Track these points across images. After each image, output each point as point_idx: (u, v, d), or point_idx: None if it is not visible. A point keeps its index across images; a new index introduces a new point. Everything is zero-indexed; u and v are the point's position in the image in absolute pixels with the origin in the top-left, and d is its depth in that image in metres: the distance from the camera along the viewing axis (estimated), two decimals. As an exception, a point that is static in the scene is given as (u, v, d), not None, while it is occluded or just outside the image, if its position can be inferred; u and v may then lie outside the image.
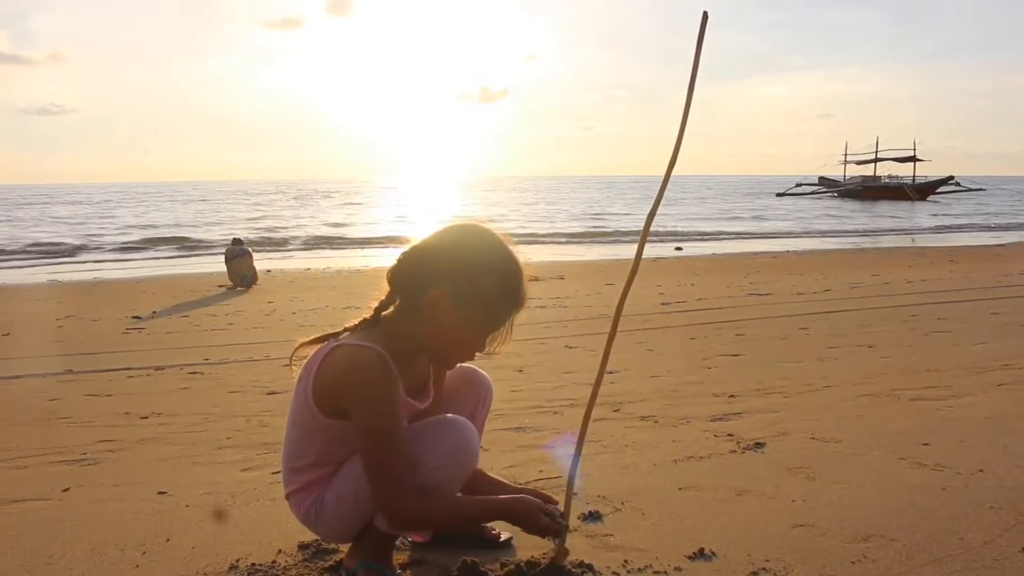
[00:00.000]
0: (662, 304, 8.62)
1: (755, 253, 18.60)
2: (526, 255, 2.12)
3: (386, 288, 2.11)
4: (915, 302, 8.39)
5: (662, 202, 2.32)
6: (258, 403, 4.59)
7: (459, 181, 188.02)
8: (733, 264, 15.46)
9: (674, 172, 2.25)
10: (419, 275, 2.04)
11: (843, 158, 68.96)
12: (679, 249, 20.03)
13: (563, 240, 25.52)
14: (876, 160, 66.81)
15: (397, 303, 2.10)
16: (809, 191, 65.46)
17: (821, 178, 68.12)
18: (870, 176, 65.64)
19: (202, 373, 5.65)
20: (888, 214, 38.90)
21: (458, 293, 2.01)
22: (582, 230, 29.27)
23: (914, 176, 62.72)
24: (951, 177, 60.48)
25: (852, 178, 66.49)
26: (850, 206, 47.91)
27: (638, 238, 2.27)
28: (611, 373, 4.93)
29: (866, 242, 24.02)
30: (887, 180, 63.42)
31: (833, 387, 4.50)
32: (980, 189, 62.07)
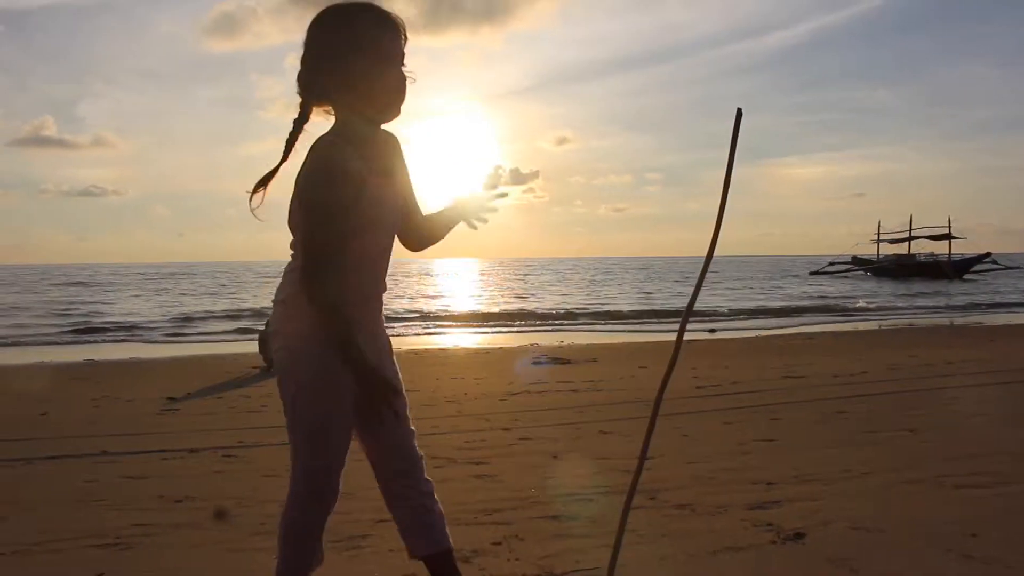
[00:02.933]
0: (696, 387, 8.53)
1: (789, 334, 18.44)
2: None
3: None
4: (956, 384, 8.23)
5: (692, 285, 2.35)
6: (291, 487, 4.57)
7: (490, 260, 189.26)
8: (767, 345, 15.32)
9: (705, 253, 2.29)
10: (305, 74, 2.19)
11: (876, 236, 68.39)
12: (712, 331, 19.90)
13: (595, 322, 25.44)
14: (910, 238, 66.28)
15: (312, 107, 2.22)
16: (842, 270, 65.01)
17: (854, 257, 67.63)
18: (904, 254, 65.10)
19: (236, 456, 5.65)
20: (924, 292, 38.50)
21: (323, 50, 2.15)
22: (614, 312, 29.19)
23: (950, 254, 62.11)
24: (988, 254, 59.85)
25: (886, 256, 65.95)
26: (885, 285, 47.49)
27: (670, 320, 2.29)
28: (646, 460, 4.86)
29: (902, 321, 23.75)
30: (922, 258, 62.85)
31: (874, 473, 4.41)
32: (1017, 267, 61.34)
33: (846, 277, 60.61)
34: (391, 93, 2.19)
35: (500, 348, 16.05)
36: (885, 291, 40.94)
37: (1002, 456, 4.67)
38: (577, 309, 30.49)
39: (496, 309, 31.43)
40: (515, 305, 33.15)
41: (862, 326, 22.26)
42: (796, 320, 25.00)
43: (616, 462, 4.91)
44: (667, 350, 2.42)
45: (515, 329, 22.53)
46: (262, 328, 13.19)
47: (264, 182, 2.23)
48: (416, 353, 15.22)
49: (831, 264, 67.43)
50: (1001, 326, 20.26)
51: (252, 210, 2.22)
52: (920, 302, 32.94)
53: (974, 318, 24.72)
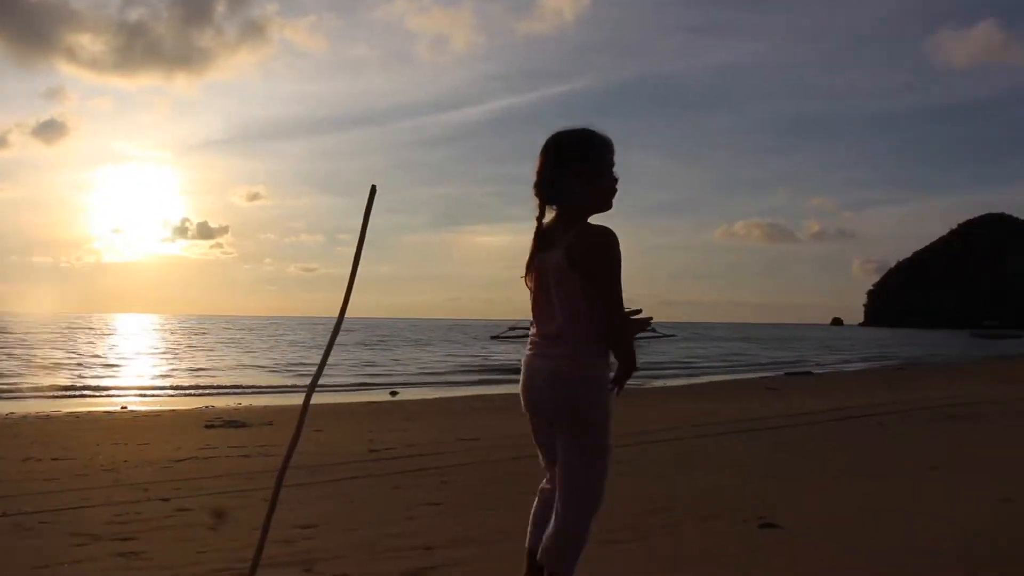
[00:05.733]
0: (371, 451, 8.54)
1: (466, 396, 19.05)
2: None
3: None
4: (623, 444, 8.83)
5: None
6: None
7: (171, 319, 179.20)
8: (446, 407, 15.72)
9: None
10: (547, 178, 2.97)
11: (553, 304, 72.71)
12: (394, 394, 20.07)
13: (273, 384, 24.56)
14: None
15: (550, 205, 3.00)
16: (522, 334, 68.45)
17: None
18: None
19: None
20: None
21: (570, 171, 2.91)
22: (294, 374, 28.46)
23: (616, 322, 67.51)
24: (650, 319, 65.85)
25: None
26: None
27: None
28: (307, 528, 4.78)
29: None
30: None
31: (523, 536, 4.61)
32: (672, 335, 67.94)
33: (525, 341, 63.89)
34: (612, 194, 2.97)
35: (172, 411, 15.15)
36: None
37: (639, 511, 5.09)
38: (248, 371, 29.51)
39: (171, 369, 29.75)
40: (194, 365, 31.57)
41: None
42: (473, 383, 25.90)
43: (278, 532, 4.75)
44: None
45: (191, 392, 21.32)
46: None
47: (529, 267, 3.09)
48: (76, 417, 13.96)
49: (511, 328, 70.84)
50: (657, 389, 22.30)
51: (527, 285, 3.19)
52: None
53: (634, 381, 26.96)
